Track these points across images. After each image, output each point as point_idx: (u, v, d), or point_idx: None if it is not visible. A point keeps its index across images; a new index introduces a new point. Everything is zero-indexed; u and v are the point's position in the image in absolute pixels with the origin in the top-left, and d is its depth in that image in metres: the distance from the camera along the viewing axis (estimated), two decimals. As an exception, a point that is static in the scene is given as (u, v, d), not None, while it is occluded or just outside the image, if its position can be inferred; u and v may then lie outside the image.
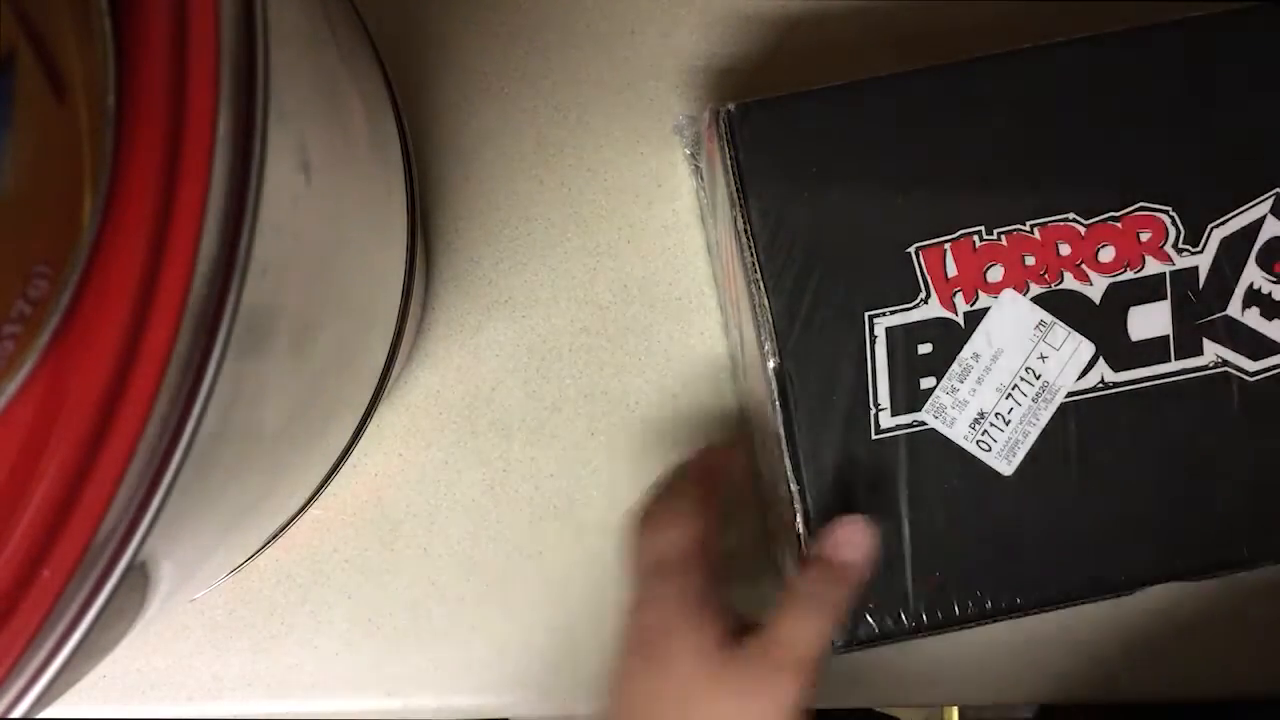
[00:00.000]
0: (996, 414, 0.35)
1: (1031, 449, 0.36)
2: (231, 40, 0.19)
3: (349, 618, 0.43)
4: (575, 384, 0.43)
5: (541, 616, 0.43)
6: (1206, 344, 0.36)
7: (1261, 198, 0.36)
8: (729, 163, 0.36)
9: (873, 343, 0.36)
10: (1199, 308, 0.36)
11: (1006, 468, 0.36)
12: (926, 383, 0.36)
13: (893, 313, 0.36)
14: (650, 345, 0.43)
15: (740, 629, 0.31)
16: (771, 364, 0.35)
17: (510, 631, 0.43)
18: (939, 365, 0.36)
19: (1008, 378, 0.36)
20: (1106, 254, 0.36)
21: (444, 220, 0.44)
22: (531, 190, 0.43)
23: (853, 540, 0.33)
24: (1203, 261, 0.36)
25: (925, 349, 0.36)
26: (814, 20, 0.44)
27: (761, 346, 0.36)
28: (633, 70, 0.44)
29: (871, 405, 0.36)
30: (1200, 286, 0.36)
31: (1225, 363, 0.36)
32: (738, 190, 0.36)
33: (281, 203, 0.22)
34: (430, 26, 0.44)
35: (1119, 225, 0.36)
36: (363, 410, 0.36)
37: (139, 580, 0.22)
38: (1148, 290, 0.36)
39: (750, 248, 0.36)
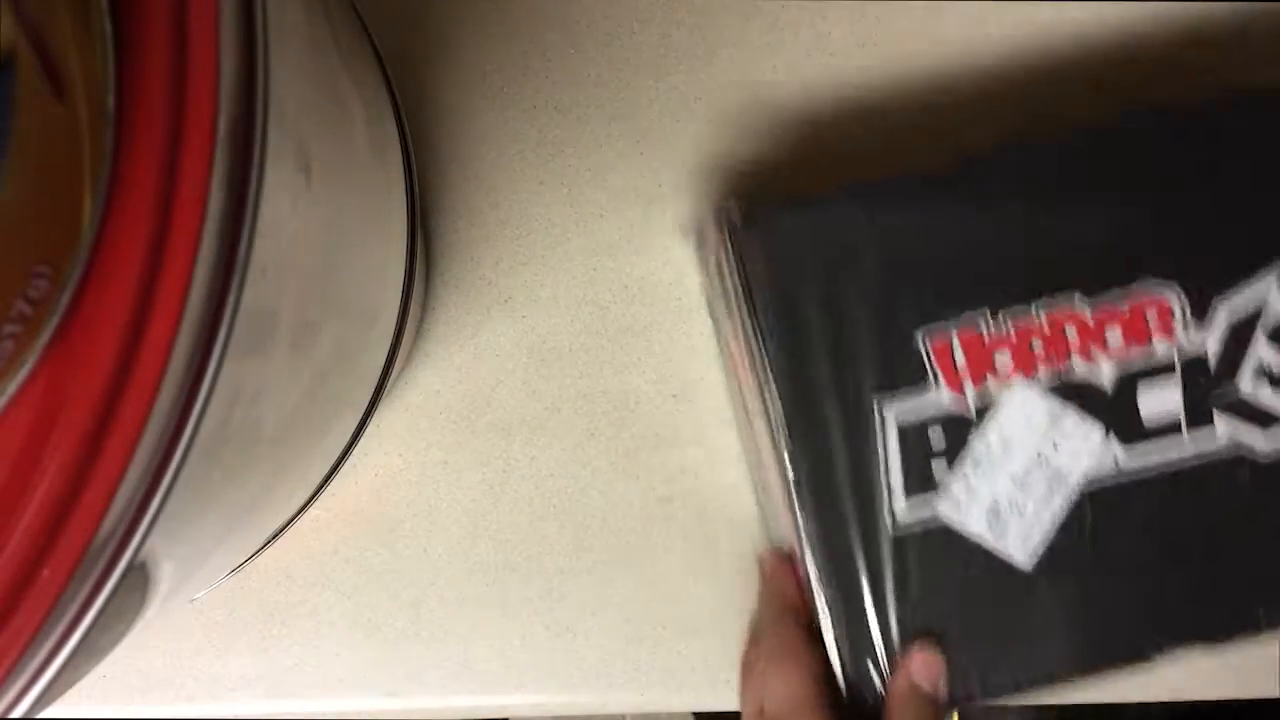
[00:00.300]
0: (1011, 503, 0.35)
1: (1047, 537, 0.35)
2: (232, 40, 0.19)
3: (349, 618, 0.43)
4: (575, 384, 0.43)
5: (541, 616, 0.43)
6: (1219, 423, 0.36)
7: (1267, 269, 0.36)
8: (735, 264, 0.36)
9: (884, 434, 0.36)
10: (1209, 386, 0.36)
11: (1024, 558, 0.36)
12: (939, 469, 0.36)
13: (901, 400, 0.36)
14: (650, 345, 0.43)
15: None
16: (786, 459, 0.35)
17: (510, 631, 0.43)
18: (951, 454, 0.36)
19: (1020, 466, 0.36)
20: (1114, 336, 0.36)
21: (444, 220, 0.44)
22: (531, 190, 0.43)
23: (931, 673, 0.35)
24: (1211, 338, 0.36)
25: (936, 438, 0.36)
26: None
27: (774, 441, 0.36)
28: (633, 70, 0.44)
29: (885, 493, 0.35)
30: (1209, 365, 0.36)
31: (1239, 444, 0.36)
32: (744, 290, 0.36)
33: (281, 203, 0.22)
34: (430, 27, 0.44)
35: (1124, 307, 0.36)
36: (363, 410, 0.36)
37: (139, 580, 0.22)
38: (1157, 371, 0.36)
39: (759, 346, 0.36)
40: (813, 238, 0.36)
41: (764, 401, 0.36)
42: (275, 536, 0.38)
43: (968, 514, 0.35)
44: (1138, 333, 0.36)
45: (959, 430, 0.36)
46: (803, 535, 0.35)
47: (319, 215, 0.26)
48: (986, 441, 0.36)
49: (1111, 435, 0.36)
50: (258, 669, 0.43)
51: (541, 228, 0.43)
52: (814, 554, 0.35)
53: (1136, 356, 0.36)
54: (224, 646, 0.43)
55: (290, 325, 0.25)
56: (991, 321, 0.36)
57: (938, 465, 0.36)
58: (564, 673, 0.43)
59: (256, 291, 0.20)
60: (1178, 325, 0.36)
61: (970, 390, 0.36)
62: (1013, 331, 0.36)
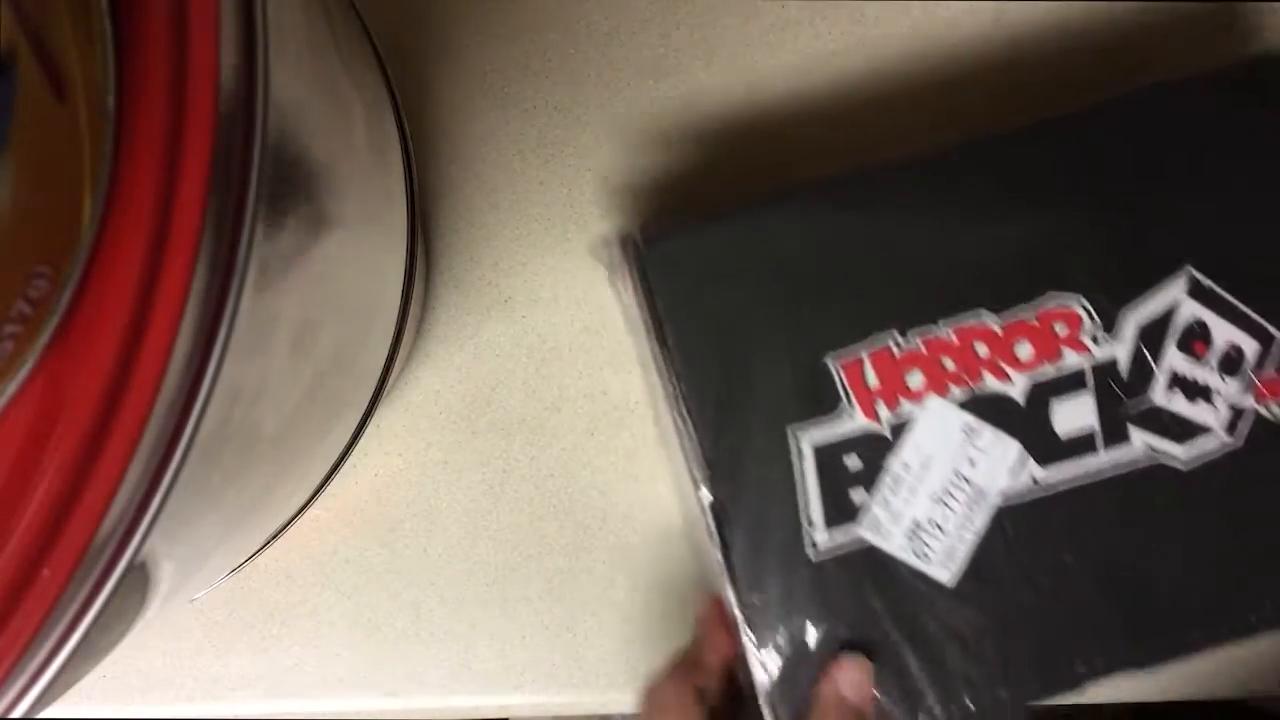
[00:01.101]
0: (931, 522, 0.35)
1: (970, 554, 0.35)
2: (231, 40, 0.19)
3: (349, 618, 0.43)
4: (575, 384, 0.43)
5: (541, 616, 0.43)
6: (1134, 434, 0.35)
7: (1173, 276, 0.36)
8: (640, 290, 0.36)
9: (801, 460, 0.35)
10: (1122, 396, 0.35)
11: (947, 576, 0.35)
12: (857, 495, 0.35)
13: (816, 426, 0.35)
14: (650, 345, 0.43)
15: None
16: (702, 492, 0.35)
17: (510, 631, 0.43)
18: (869, 477, 0.35)
19: (939, 485, 0.35)
20: (1024, 350, 0.36)
21: (444, 220, 0.44)
22: (531, 190, 0.43)
23: (858, 681, 0.34)
24: (1121, 348, 0.36)
25: (853, 461, 0.35)
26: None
27: (691, 475, 0.35)
28: (633, 70, 0.44)
29: (805, 524, 0.35)
30: (1122, 374, 0.36)
31: (1155, 451, 0.35)
32: (651, 317, 0.36)
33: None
34: (431, 27, 0.44)
35: (1033, 320, 0.35)
36: (363, 410, 0.36)
37: (139, 580, 0.22)
38: (1069, 383, 0.35)
39: (670, 376, 0.35)
40: (717, 258, 0.36)
41: (679, 434, 0.36)
42: (275, 536, 0.38)
43: (889, 536, 0.35)
44: (1048, 346, 0.36)
45: (876, 453, 0.35)
46: (724, 569, 0.35)
47: (319, 215, 0.26)
48: (903, 462, 0.35)
49: (1027, 449, 0.35)
50: (258, 669, 0.43)
51: (541, 228, 0.43)
52: (735, 587, 0.35)
53: (1048, 370, 0.35)
54: (224, 646, 0.43)
55: (290, 325, 0.25)
56: (901, 340, 0.35)
57: (856, 491, 0.35)
58: (564, 673, 0.43)
59: (256, 291, 0.20)
60: (1086, 337, 0.36)
61: (884, 412, 0.35)
62: (923, 349, 0.35)
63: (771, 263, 0.36)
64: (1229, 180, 0.36)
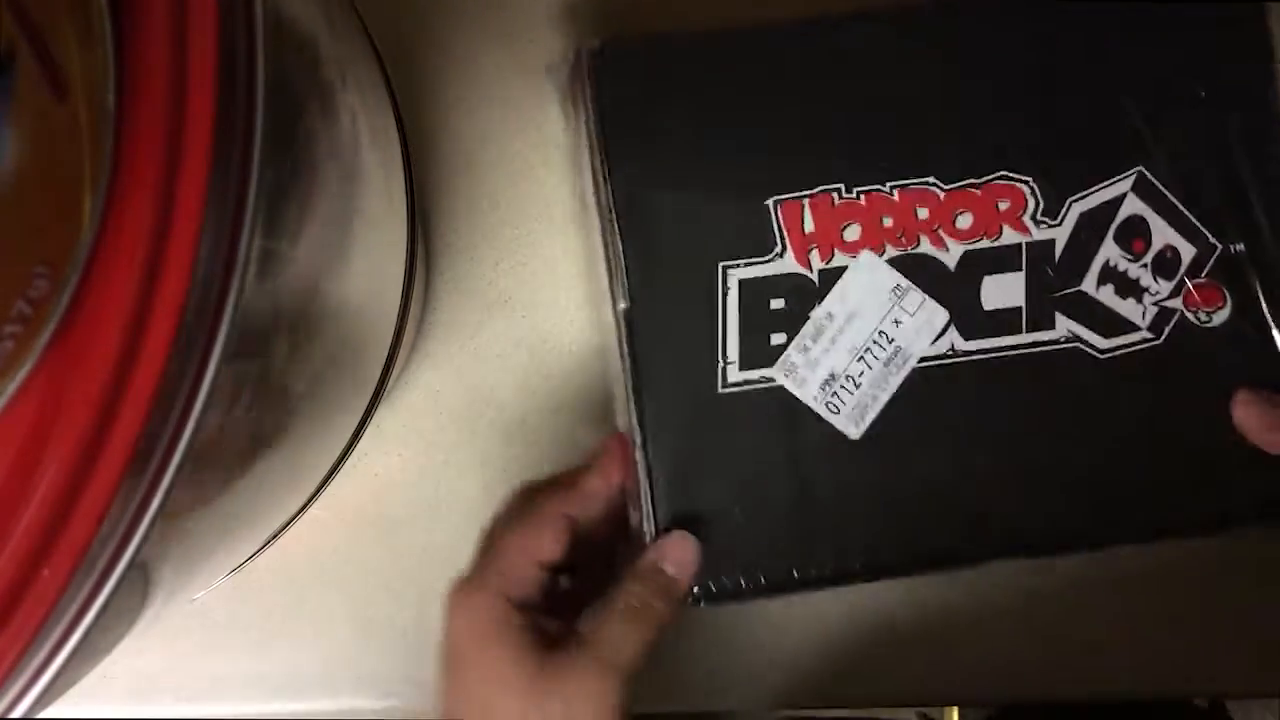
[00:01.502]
0: (848, 376, 0.35)
1: (880, 413, 0.35)
2: (231, 40, 0.19)
3: (349, 618, 0.43)
4: (575, 384, 0.43)
5: (541, 616, 0.43)
6: (1059, 318, 0.36)
7: (1123, 174, 0.36)
8: (589, 102, 0.35)
9: (725, 294, 0.35)
10: (1054, 281, 0.36)
11: (854, 431, 0.35)
12: (778, 339, 0.35)
13: (747, 265, 0.35)
14: (650, 345, 0.43)
15: (553, 639, 0.31)
16: (621, 307, 0.35)
17: (510, 631, 0.43)
18: (791, 322, 0.35)
19: (861, 340, 0.35)
20: (964, 221, 0.35)
21: (444, 220, 0.44)
22: (531, 190, 0.43)
23: (682, 559, 0.33)
24: (1060, 235, 0.36)
25: (778, 304, 0.35)
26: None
27: (612, 292, 0.35)
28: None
29: (720, 358, 0.35)
30: (1056, 260, 0.36)
31: (1076, 338, 0.36)
32: (598, 132, 0.35)
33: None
34: (430, 26, 0.44)
35: (978, 193, 0.35)
36: (363, 410, 0.36)
37: (139, 580, 0.22)
38: (1003, 260, 0.36)
39: (606, 188, 0.35)
40: (672, 79, 0.35)
41: (607, 252, 0.35)
42: (275, 536, 0.38)
43: (802, 383, 0.35)
44: (988, 220, 0.35)
45: (802, 299, 0.35)
46: (628, 386, 0.35)
47: (319, 214, 0.26)
48: (828, 311, 0.35)
49: (953, 318, 0.35)
50: (258, 669, 0.43)
51: (541, 228, 0.43)
52: (638, 409, 0.35)
53: (985, 244, 0.35)
54: (224, 646, 0.43)
55: (290, 325, 0.25)
56: (845, 195, 0.35)
57: (777, 335, 0.35)
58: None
59: (256, 291, 0.20)
60: (1028, 217, 0.36)
61: (817, 260, 0.35)
62: (863, 202, 0.35)
63: (728, 95, 0.36)
64: (1188, 89, 0.36)
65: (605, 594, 0.33)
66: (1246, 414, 0.35)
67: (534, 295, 0.43)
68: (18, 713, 0.19)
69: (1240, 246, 0.36)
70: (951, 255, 0.35)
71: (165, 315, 0.18)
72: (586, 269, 0.42)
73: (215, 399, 0.19)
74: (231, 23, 0.19)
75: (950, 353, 0.35)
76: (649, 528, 0.34)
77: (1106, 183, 0.36)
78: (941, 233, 0.35)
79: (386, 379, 0.37)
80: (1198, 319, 0.36)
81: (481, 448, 0.43)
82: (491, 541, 0.34)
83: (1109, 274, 0.36)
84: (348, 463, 0.39)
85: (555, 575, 0.33)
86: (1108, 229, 0.36)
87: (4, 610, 0.18)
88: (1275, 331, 0.36)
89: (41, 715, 0.20)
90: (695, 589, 0.34)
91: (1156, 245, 0.36)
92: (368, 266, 0.32)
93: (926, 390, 0.35)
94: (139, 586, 0.22)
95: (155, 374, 0.18)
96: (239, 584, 0.43)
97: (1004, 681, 0.42)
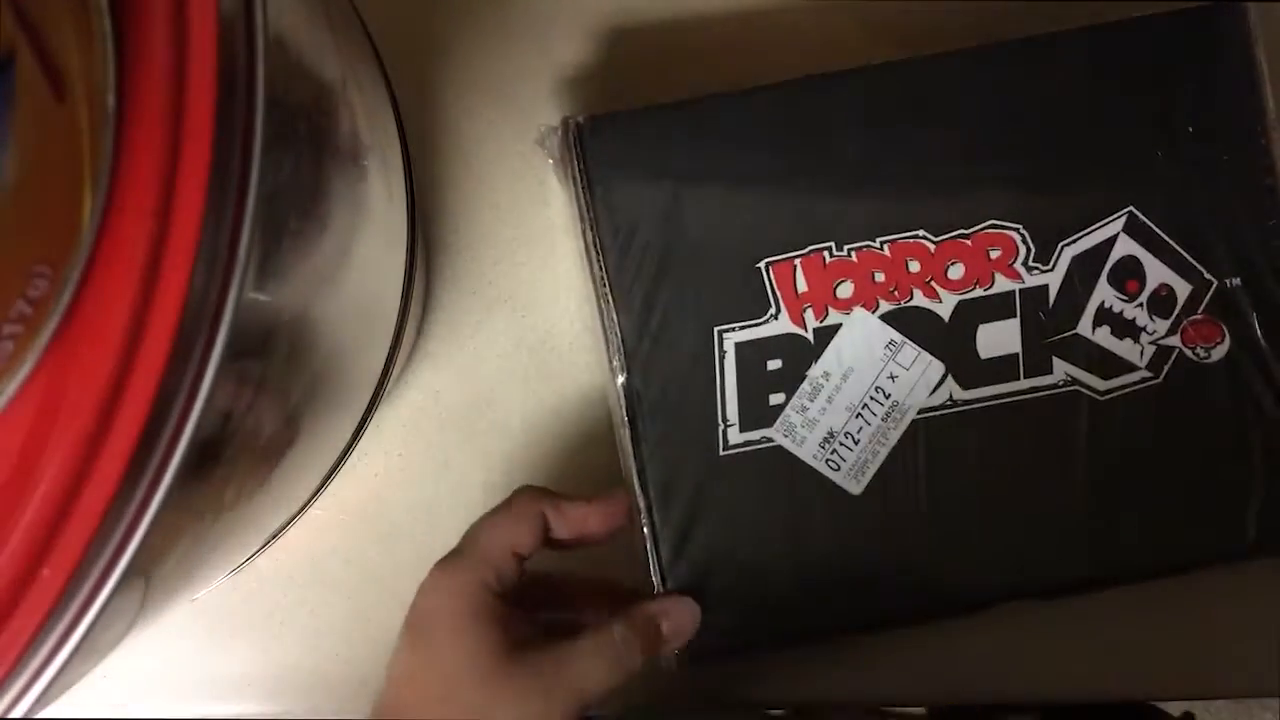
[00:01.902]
0: (846, 433, 0.35)
1: (881, 468, 0.35)
2: (231, 40, 0.19)
3: (349, 618, 0.43)
4: (575, 384, 0.43)
5: (541, 616, 0.43)
6: (1056, 363, 0.36)
7: (1113, 216, 0.36)
8: (578, 175, 0.36)
9: (722, 358, 0.35)
10: (1049, 326, 0.36)
11: (855, 487, 0.35)
12: (776, 399, 0.35)
13: (742, 328, 0.35)
14: (650, 345, 0.43)
15: (523, 641, 0.31)
16: (620, 381, 0.35)
17: (510, 631, 0.43)
18: (789, 383, 0.35)
19: (858, 397, 0.35)
20: (956, 271, 0.36)
21: (444, 220, 0.44)
22: (531, 190, 0.43)
23: (681, 624, 0.34)
24: (1053, 279, 0.36)
25: (775, 365, 0.35)
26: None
27: (610, 363, 0.35)
28: (636, 68, 0.44)
29: (720, 421, 0.35)
30: (1050, 305, 0.36)
31: (1075, 381, 0.36)
32: (586, 203, 0.36)
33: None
34: (430, 26, 0.44)
35: (968, 243, 0.36)
36: (362, 410, 0.36)
37: (139, 580, 0.22)
38: (997, 308, 0.36)
39: (599, 262, 0.35)
40: (661, 147, 0.36)
41: (602, 323, 0.35)
42: (275, 536, 0.38)
43: (802, 442, 0.35)
44: (980, 269, 0.36)
45: (799, 359, 0.35)
46: (630, 456, 0.35)
47: (319, 215, 0.26)
48: (824, 370, 0.35)
49: (949, 369, 0.36)
50: (258, 669, 0.43)
51: (541, 228, 0.43)
52: (641, 477, 0.35)
53: (978, 292, 0.36)
54: (224, 646, 0.43)
55: (290, 325, 0.25)
56: (836, 253, 0.36)
57: (775, 395, 0.35)
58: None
59: (256, 291, 0.20)
60: (1019, 264, 0.36)
61: (811, 319, 0.36)
62: (855, 259, 0.35)
63: (716, 161, 0.36)
64: (1177, 125, 0.36)
65: (588, 623, 0.33)
66: None
67: (534, 295, 0.43)
68: (18, 713, 0.19)
69: (1236, 280, 0.36)
70: (945, 306, 0.36)
71: (165, 315, 0.18)
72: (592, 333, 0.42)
73: (215, 399, 0.19)
74: (232, 23, 0.19)
75: (949, 403, 0.36)
76: (655, 586, 0.35)
77: (1097, 225, 0.36)
78: (934, 284, 0.36)
79: (386, 379, 0.37)
80: (1196, 355, 0.36)
81: (481, 448, 0.43)
82: (474, 531, 0.34)
83: (1105, 316, 0.36)
84: (348, 463, 0.39)
85: (524, 569, 0.34)
86: (1101, 271, 0.36)
87: (4, 610, 0.18)
88: (1274, 364, 0.36)
89: (41, 715, 0.20)
90: (680, 650, 0.35)
91: (1151, 284, 0.36)
92: (368, 266, 0.32)
93: (927, 442, 0.36)
94: (139, 586, 0.22)
95: (155, 374, 0.18)
96: (239, 584, 0.43)
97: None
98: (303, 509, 0.38)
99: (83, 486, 0.18)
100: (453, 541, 0.43)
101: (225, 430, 0.22)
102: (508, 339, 0.43)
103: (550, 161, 0.39)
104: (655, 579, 0.35)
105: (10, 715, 0.19)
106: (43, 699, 0.19)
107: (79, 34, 0.18)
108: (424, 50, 0.44)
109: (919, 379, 0.35)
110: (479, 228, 0.44)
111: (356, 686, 0.43)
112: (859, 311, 0.35)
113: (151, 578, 0.23)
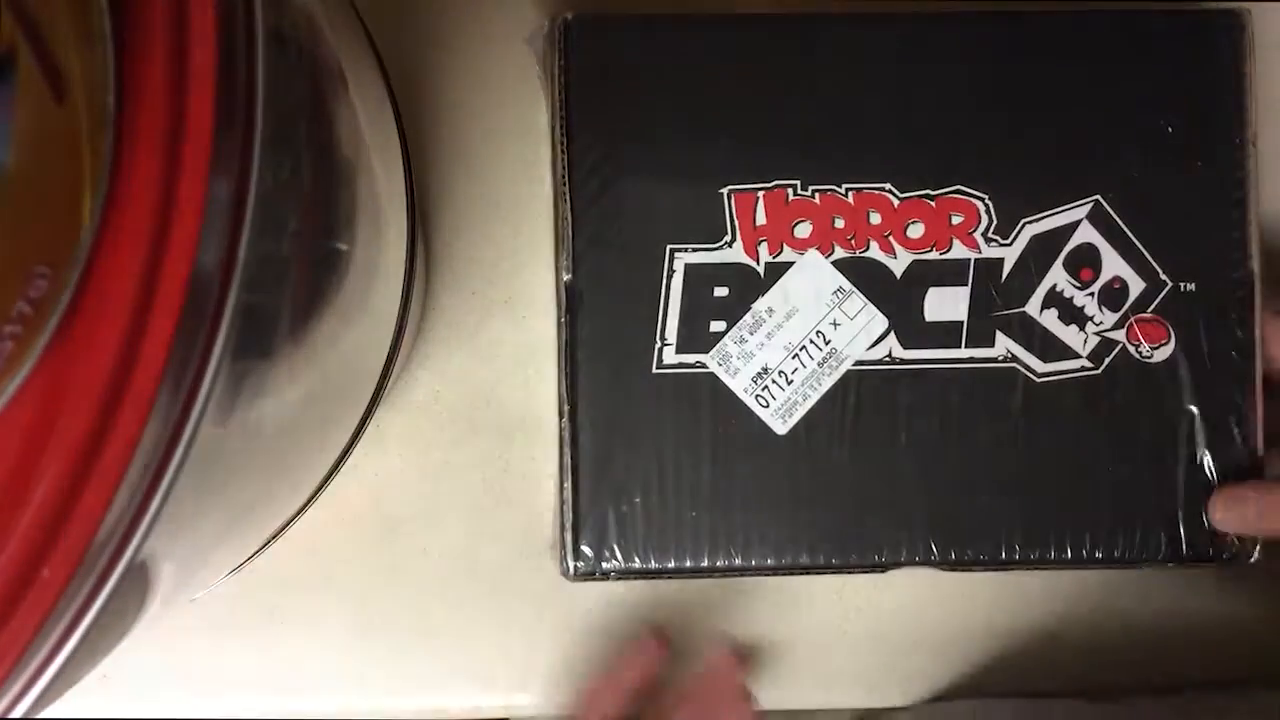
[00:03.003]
0: (780, 372, 0.35)
1: (809, 412, 0.35)
2: (231, 40, 0.19)
3: (349, 618, 0.43)
4: (575, 384, 0.43)
5: (542, 616, 0.43)
6: (999, 337, 0.36)
7: (1079, 202, 0.36)
8: (558, 71, 0.36)
9: (670, 277, 0.35)
10: (998, 300, 0.36)
11: (781, 427, 0.35)
12: (717, 327, 0.36)
13: (695, 250, 0.35)
14: (650, 345, 0.43)
15: None
16: (565, 279, 0.35)
17: (510, 631, 0.43)
18: (732, 312, 0.36)
19: (797, 338, 0.35)
20: (915, 230, 0.36)
21: (444, 220, 0.44)
22: (532, 190, 0.43)
23: (640, 670, 0.35)
24: (1010, 254, 0.36)
25: (721, 293, 0.36)
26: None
27: (557, 262, 0.36)
28: None
29: (658, 340, 0.35)
30: (1003, 279, 0.36)
31: (1014, 358, 0.36)
32: (561, 100, 0.36)
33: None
34: (430, 26, 0.44)
35: (932, 204, 0.36)
36: (362, 411, 0.36)
37: (139, 580, 0.22)
38: (950, 274, 0.36)
39: (564, 158, 0.35)
40: (643, 57, 0.36)
41: (557, 221, 0.36)
42: (275, 536, 0.38)
43: (735, 373, 0.35)
44: (939, 232, 0.36)
45: (745, 291, 0.36)
46: (562, 354, 0.36)
47: (319, 214, 0.26)
48: (769, 307, 0.35)
49: (893, 325, 0.36)
50: (258, 669, 0.43)
51: (542, 227, 0.43)
52: (570, 378, 0.35)
53: (933, 255, 0.36)
54: (224, 646, 0.43)
55: (291, 325, 0.25)
56: (800, 191, 0.36)
57: (717, 324, 0.36)
58: (564, 672, 0.42)
59: (256, 291, 0.20)
60: (979, 234, 0.36)
61: (764, 253, 0.36)
62: (817, 201, 0.36)
63: (695, 80, 0.36)
64: (1156, 124, 0.36)
65: None
66: (1226, 518, 0.35)
67: (534, 295, 0.43)
68: (18, 713, 0.19)
69: (1191, 286, 0.36)
70: (899, 263, 0.36)
71: (165, 315, 0.18)
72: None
73: (215, 399, 0.19)
74: (231, 23, 0.19)
75: (887, 359, 0.36)
76: (566, 495, 0.35)
77: (1062, 208, 0.36)
78: (892, 239, 0.36)
79: (386, 379, 0.37)
80: (1139, 353, 0.36)
81: (481, 448, 0.43)
82: None
83: (1055, 299, 0.36)
84: (348, 463, 0.39)
85: None
86: (1058, 254, 0.36)
87: (4, 610, 0.18)
88: (1214, 375, 0.36)
89: (41, 715, 0.20)
90: (584, 560, 0.35)
91: (1106, 275, 0.36)
92: (368, 266, 0.32)
93: (858, 394, 0.36)
94: (139, 586, 0.22)
95: (155, 374, 0.18)
96: (239, 584, 0.43)
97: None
98: (303, 509, 0.38)
99: (83, 486, 0.18)
100: (452, 541, 0.43)
101: (225, 430, 0.22)
102: (508, 339, 0.43)
103: (535, 64, 0.39)
104: (567, 485, 0.35)
105: (10, 715, 0.19)
106: (43, 699, 0.19)
107: (79, 34, 0.18)
108: (424, 50, 0.44)
109: (861, 330, 0.36)
110: (479, 228, 0.44)
111: (356, 685, 0.43)
112: (813, 254, 0.36)
113: (151, 577, 0.23)
